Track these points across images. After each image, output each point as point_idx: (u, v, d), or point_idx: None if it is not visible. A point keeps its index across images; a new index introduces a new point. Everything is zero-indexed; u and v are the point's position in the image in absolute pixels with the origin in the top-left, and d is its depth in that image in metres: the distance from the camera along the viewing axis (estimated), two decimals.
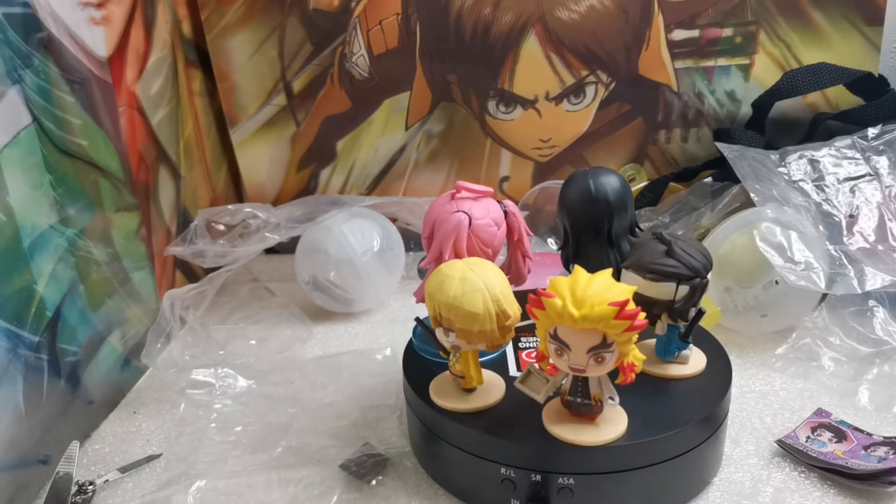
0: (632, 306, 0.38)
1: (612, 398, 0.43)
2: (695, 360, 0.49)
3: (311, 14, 0.78)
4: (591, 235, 0.51)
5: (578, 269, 0.41)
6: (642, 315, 0.39)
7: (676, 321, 0.47)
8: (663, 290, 0.46)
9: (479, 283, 0.43)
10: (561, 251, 0.54)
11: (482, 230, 0.49)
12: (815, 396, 0.56)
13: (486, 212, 0.49)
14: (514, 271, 0.53)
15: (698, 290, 0.45)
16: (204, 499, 0.49)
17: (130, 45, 0.66)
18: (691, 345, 0.49)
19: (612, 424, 0.44)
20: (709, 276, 0.46)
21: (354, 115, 0.82)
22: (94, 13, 0.61)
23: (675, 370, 0.49)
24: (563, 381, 0.44)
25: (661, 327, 0.48)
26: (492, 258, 0.50)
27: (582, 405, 0.43)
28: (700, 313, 0.47)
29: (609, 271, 0.41)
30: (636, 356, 0.41)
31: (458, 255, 0.48)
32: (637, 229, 0.53)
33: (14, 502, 0.49)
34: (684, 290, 0.45)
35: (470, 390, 0.47)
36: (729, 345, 0.54)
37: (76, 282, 0.57)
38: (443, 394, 0.48)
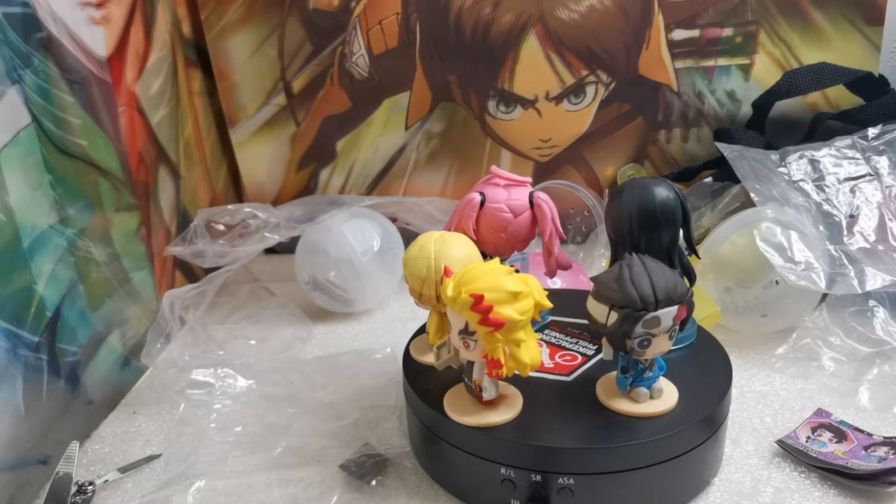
0: (489, 302, 0.40)
1: (483, 389, 0.45)
2: (659, 401, 0.46)
3: (311, 14, 0.78)
4: (621, 251, 0.49)
5: (496, 259, 0.44)
6: (519, 313, 0.40)
7: (617, 350, 0.44)
8: (598, 311, 0.43)
9: (431, 252, 0.46)
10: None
11: (492, 213, 0.51)
12: (815, 396, 0.56)
13: (505, 197, 0.51)
14: (545, 265, 0.54)
15: (628, 321, 0.42)
16: (204, 499, 0.49)
17: (130, 44, 0.66)
18: (658, 384, 0.45)
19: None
20: (660, 312, 0.42)
21: (354, 115, 0.82)
22: (94, 13, 0.61)
23: (627, 406, 0.45)
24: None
25: (605, 352, 0.45)
26: (508, 243, 0.52)
27: (466, 385, 0.46)
28: (643, 345, 0.43)
29: (496, 261, 0.44)
30: (517, 357, 0.42)
31: (457, 230, 0.51)
32: (689, 247, 0.50)
33: (14, 502, 0.49)
34: (615, 316, 0.42)
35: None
36: (729, 345, 0.54)
37: (76, 282, 0.57)
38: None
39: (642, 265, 0.42)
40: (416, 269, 0.47)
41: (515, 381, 0.46)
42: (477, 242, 0.50)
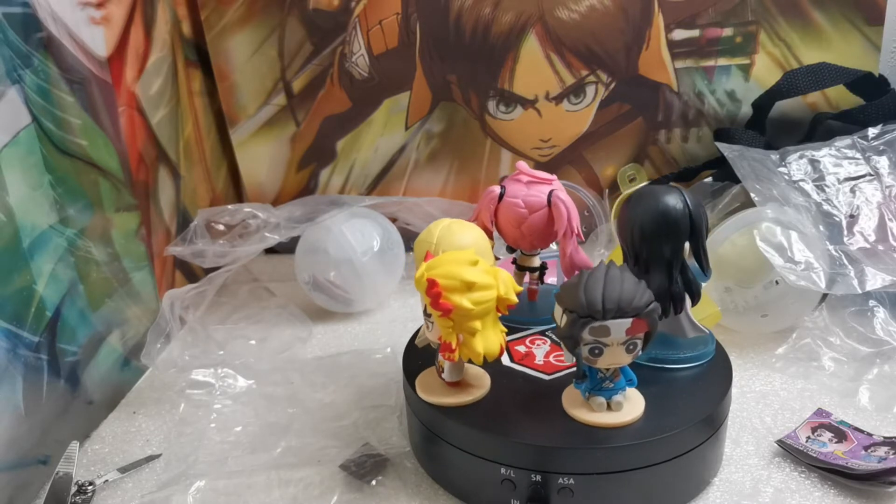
0: (442, 288, 0.42)
1: (442, 370, 0.47)
2: (614, 413, 0.45)
3: (311, 14, 0.78)
4: (628, 260, 0.49)
5: (471, 250, 0.46)
6: (472, 303, 0.42)
7: (570, 353, 0.44)
8: (557, 313, 0.43)
9: (435, 237, 0.49)
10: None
11: (509, 207, 0.52)
12: (815, 396, 0.56)
13: (523, 193, 0.52)
14: (561, 264, 0.54)
15: (575, 326, 0.41)
16: (204, 499, 0.49)
17: (130, 45, 0.66)
18: (619, 397, 0.45)
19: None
20: (609, 322, 0.41)
21: (354, 115, 0.82)
22: (94, 13, 0.61)
23: (583, 413, 0.45)
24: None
25: (565, 355, 0.45)
26: (526, 238, 0.53)
27: (435, 364, 0.49)
28: (594, 353, 0.43)
29: (471, 251, 0.45)
30: (470, 345, 0.43)
31: (478, 221, 0.53)
32: (699, 264, 0.48)
33: (14, 502, 0.49)
34: (566, 319, 0.42)
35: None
36: (729, 345, 0.54)
37: (76, 282, 0.57)
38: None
39: (604, 273, 0.42)
40: (419, 251, 0.49)
41: (495, 370, 0.49)
42: (501, 235, 0.53)
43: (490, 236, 0.54)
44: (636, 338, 0.42)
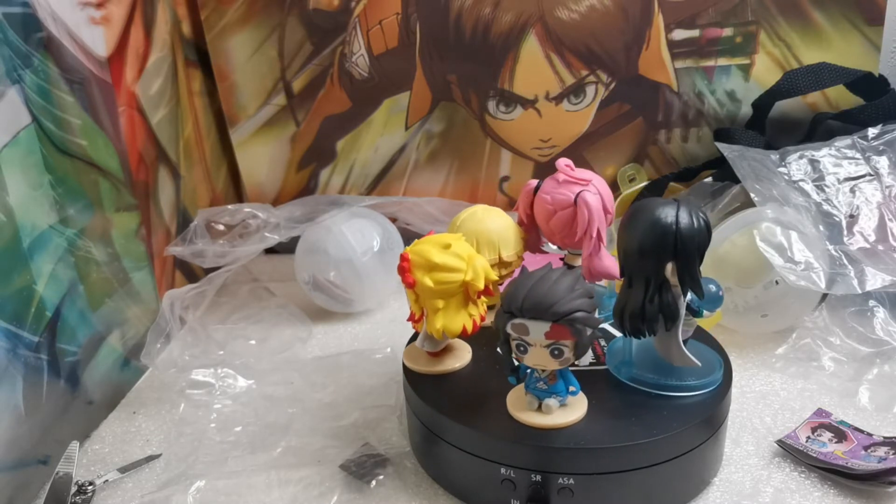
0: (409, 263, 0.46)
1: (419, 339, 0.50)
2: (539, 414, 0.45)
3: (311, 14, 0.78)
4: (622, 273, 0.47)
5: (458, 235, 0.49)
6: (433, 282, 0.46)
7: (500, 342, 0.44)
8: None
9: (459, 220, 0.54)
10: None
11: (539, 202, 0.54)
12: (815, 396, 0.56)
13: (554, 190, 0.53)
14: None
15: (500, 318, 0.42)
16: (204, 499, 0.49)
17: (130, 45, 0.66)
18: (552, 401, 0.44)
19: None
20: (528, 322, 0.41)
21: (354, 115, 0.82)
22: (94, 13, 0.61)
23: (513, 406, 0.46)
24: None
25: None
26: (555, 234, 0.54)
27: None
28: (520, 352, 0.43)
29: (459, 237, 0.48)
30: (430, 321, 0.47)
31: (518, 211, 0.56)
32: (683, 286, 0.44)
33: (14, 502, 0.49)
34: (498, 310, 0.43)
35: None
36: (729, 345, 0.54)
37: (76, 282, 0.57)
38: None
39: (543, 273, 0.42)
40: (449, 229, 0.55)
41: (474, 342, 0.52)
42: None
43: (529, 228, 0.56)
44: (561, 344, 0.41)
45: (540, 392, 0.45)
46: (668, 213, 0.43)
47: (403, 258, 0.47)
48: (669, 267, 0.43)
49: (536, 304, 0.41)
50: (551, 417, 0.44)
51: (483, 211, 0.55)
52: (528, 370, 0.45)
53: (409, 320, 0.50)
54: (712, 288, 0.46)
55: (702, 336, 0.54)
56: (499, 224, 0.54)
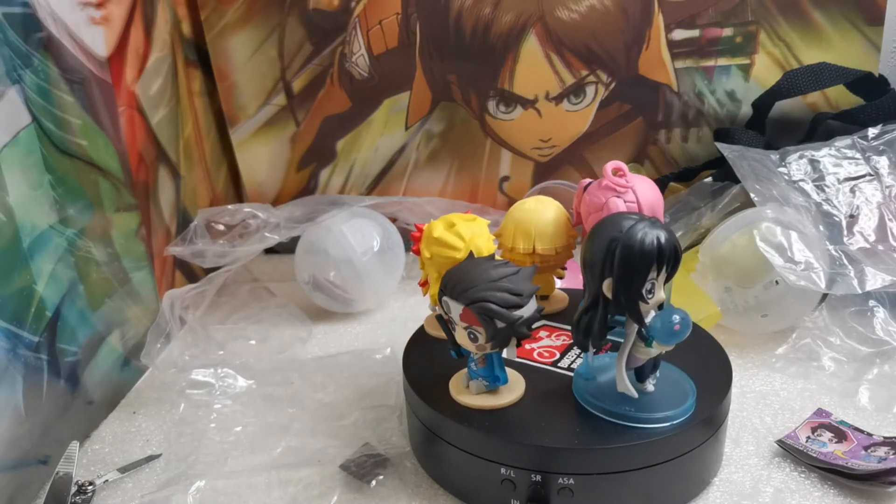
0: (421, 233, 0.51)
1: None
2: (463, 392, 0.47)
3: (310, 14, 0.78)
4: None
5: (476, 219, 0.51)
6: (426, 251, 0.50)
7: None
8: None
9: (511, 210, 0.56)
10: None
11: (583, 203, 0.54)
12: (815, 396, 0.56)
13: (595, 192, 0.53)
14: None
15: (440, 293, 0.44)
16: (204, 499, 0.49)
17: (130, 45, 0.66)
18: (478, 384, 0.46)
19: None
20: (448, 300, 0.43)
21: (354, 115, 0.82)
22: (94, 13, 0.61)
23: (453, 389, 0.48)
24: None
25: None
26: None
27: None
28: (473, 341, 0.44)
29: (475, 219, 0.50)
30: (431, 288, 0.51)
31: (574, 208, 0.57)
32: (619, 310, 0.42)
33: (14, 502, 0.49)
34: None
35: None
36: (729, 345, 0.54)
37: (76, 282, 0.57)
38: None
39: (488, 261, 0.44)
40: (506, 215, 0.57)
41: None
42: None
43: (578, 225, 0.56)
44: (474, 329, 0.43)
45: (471, 372, 0.47)
46: (618, 228, 0.40)
47: (419, 229, 0.51)
48: (606, 284, 0.41)
49: (455, 285, 0.43)
50: (478, 398, 0.46)
51: (535, 202, 0.56)
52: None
53: (419, 284, 0.55)
54: (675, 318, 0.41)
55: (700, 335, 0.54)
56: (543, 217, 0.55)
